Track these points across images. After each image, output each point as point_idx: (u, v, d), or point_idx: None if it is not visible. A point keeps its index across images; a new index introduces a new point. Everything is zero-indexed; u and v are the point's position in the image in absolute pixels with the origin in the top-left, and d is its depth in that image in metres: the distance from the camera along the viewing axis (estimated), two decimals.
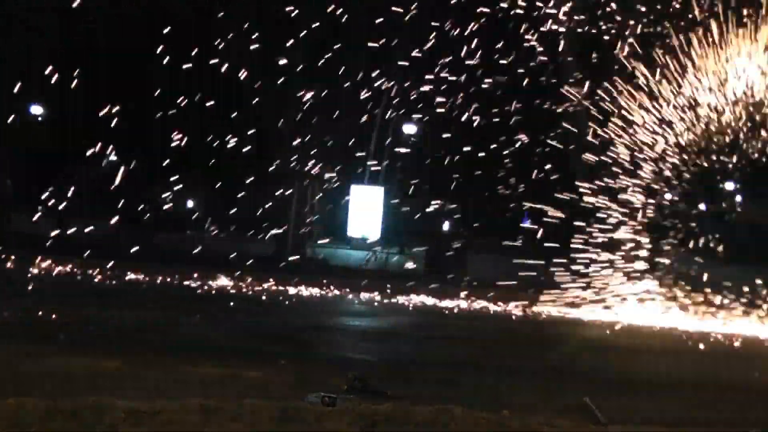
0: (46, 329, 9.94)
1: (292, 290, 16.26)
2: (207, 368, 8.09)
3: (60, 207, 25.05)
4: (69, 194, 24.82)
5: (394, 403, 6.18)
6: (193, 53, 21.29)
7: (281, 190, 21.89)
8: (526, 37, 20.15)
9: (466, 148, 23.01)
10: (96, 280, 15.72)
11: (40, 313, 11.27)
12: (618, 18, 19.22)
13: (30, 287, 13.82)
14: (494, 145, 21.98)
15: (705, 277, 18.56)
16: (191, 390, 6.75)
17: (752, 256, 21.15)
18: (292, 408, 5.82)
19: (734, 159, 19.66)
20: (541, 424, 5.97)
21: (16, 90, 25.53)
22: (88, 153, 23.49)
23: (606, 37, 19.55)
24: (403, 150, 35.08)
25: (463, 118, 23.28)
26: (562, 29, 19.84)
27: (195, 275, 16.99)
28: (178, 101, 24.19)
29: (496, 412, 6.17)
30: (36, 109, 28.31)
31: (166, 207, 33.17)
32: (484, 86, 21.87)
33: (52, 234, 24.22)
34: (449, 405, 6.10)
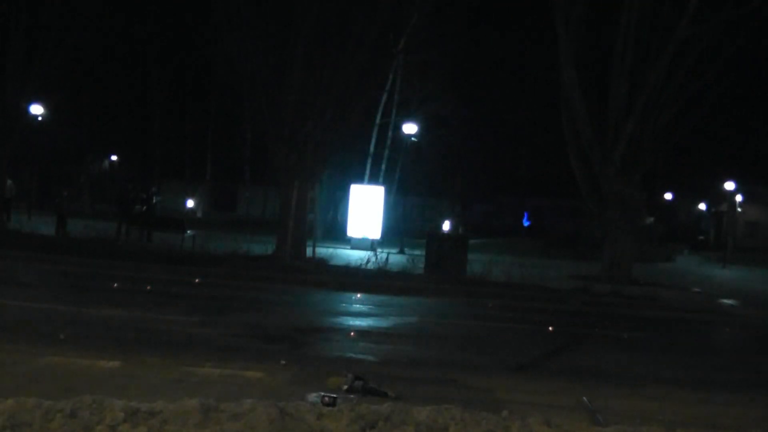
0: (46, 329, 9.94)
1: (291, 290, 16.25)
2: (207, 368, 8.09)
3: (60, 207, 25.12)
4: (69, 194, 24.83)
5: (394, 403, 6.18)
6: (193, 53, 21.19)
7: (281, 190, 21.86)
8: None
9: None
10: (94, 279, 15.70)
11: (40, 312, 11.29)
12: None
13: (31, 286, 13.84)
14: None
15: None
16: (191, 390, 6.75)
17: None
18: (292, 408, 5.82)
19: None
20: (541, 424, 5.96)
21: (17, 90, 25.54)
22: (89, 154, 23.41)
23: None
24: (403, 149, 35.14)
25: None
26: None
27: (194, 275, 17.00)
28: (178, 101, 24.00)
29: (496, 412, 6.16)
30: (36, 109, 28.29)
31: (165, 207, 33.09)
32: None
33: (53, 233, 24.31)
34: (449, 405, 6.10)
